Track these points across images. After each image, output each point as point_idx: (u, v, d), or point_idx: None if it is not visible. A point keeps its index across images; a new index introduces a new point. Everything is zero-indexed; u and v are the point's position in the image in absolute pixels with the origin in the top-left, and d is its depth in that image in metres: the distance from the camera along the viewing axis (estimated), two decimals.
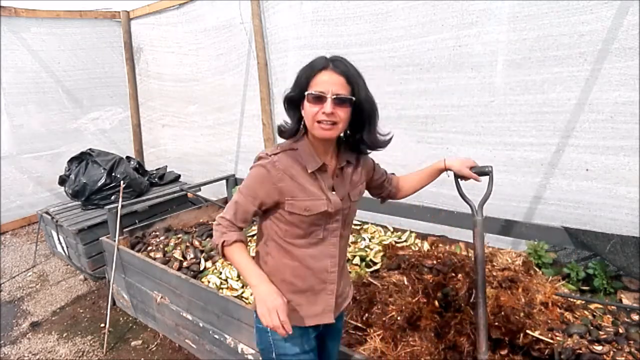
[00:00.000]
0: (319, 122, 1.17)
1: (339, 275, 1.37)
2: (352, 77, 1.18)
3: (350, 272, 2.31)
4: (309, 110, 1.18)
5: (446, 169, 1.53)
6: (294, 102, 1.24)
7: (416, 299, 1.86)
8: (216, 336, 2.31)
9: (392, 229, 2.91)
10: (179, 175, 4.83)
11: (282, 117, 1.29)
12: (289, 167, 1.24)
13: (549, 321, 1.80)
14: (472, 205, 1.56)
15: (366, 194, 1.48)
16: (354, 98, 1.18)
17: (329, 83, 1.15)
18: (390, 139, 1.35)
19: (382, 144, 1.33)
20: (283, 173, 1.23)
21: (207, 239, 3.15)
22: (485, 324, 1.51)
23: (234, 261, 1.27)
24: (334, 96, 1.15)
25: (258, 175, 1.25)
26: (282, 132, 1.29)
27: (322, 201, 1.25)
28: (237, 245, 1.26)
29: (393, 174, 1.60)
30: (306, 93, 1.18)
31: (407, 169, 1.55)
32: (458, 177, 1.55)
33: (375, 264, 2.45)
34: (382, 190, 1.55)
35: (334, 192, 1.28)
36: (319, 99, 1.16)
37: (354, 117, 1.23)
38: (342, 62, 1.19)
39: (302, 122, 1.26)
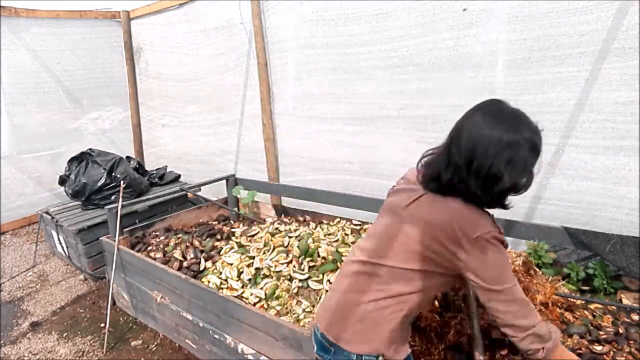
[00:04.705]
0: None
1: None
2: None
3: None
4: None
5: None
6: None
7: None
8: (216, 336, 2.31)
9: None
10: (179, 175, 4.83)
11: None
12: None
13: (549, 321, 1.80)
14: None
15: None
16: None
17: None
18: None
19: None
20: None
21: (207, 239, 3.15)
22: (479, 334, 1.55)
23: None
24: None
25: (507, 258, 1.27)
26: (478, 201, 1.30)
27: None
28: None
29: None
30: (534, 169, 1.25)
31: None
32: None
33: None
34: None
35: None
36: None
37: None
38: None
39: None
